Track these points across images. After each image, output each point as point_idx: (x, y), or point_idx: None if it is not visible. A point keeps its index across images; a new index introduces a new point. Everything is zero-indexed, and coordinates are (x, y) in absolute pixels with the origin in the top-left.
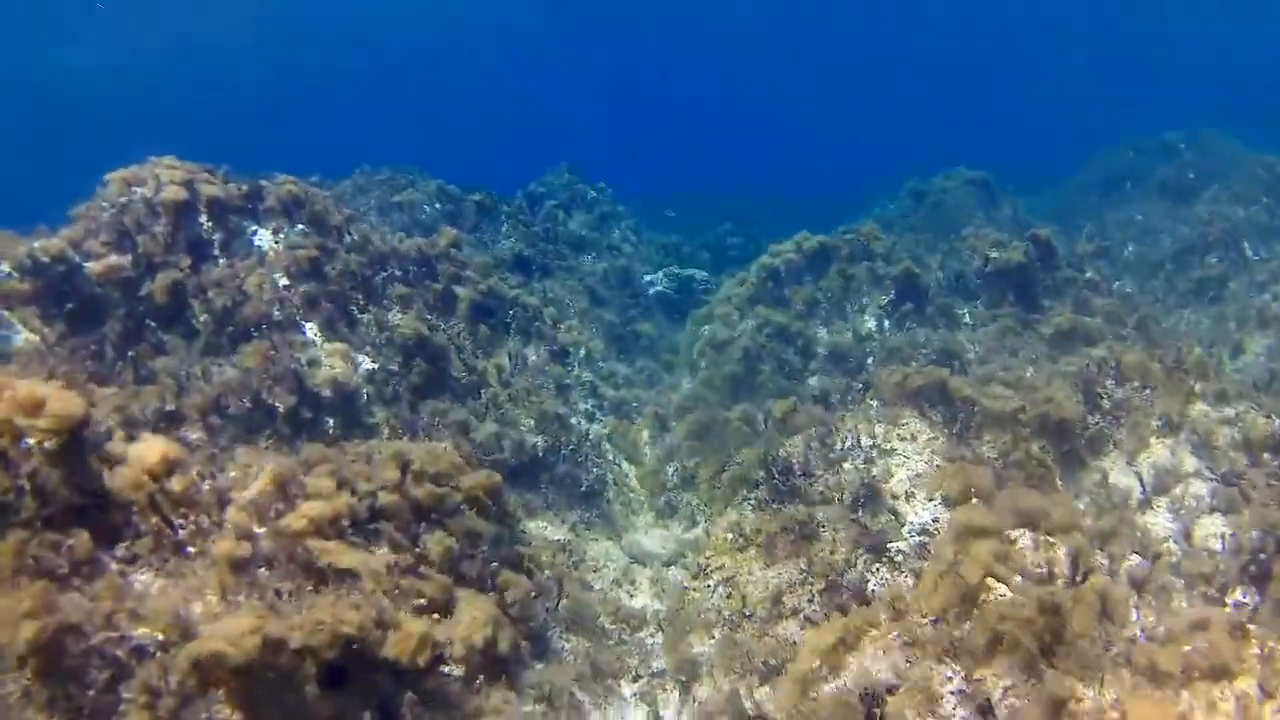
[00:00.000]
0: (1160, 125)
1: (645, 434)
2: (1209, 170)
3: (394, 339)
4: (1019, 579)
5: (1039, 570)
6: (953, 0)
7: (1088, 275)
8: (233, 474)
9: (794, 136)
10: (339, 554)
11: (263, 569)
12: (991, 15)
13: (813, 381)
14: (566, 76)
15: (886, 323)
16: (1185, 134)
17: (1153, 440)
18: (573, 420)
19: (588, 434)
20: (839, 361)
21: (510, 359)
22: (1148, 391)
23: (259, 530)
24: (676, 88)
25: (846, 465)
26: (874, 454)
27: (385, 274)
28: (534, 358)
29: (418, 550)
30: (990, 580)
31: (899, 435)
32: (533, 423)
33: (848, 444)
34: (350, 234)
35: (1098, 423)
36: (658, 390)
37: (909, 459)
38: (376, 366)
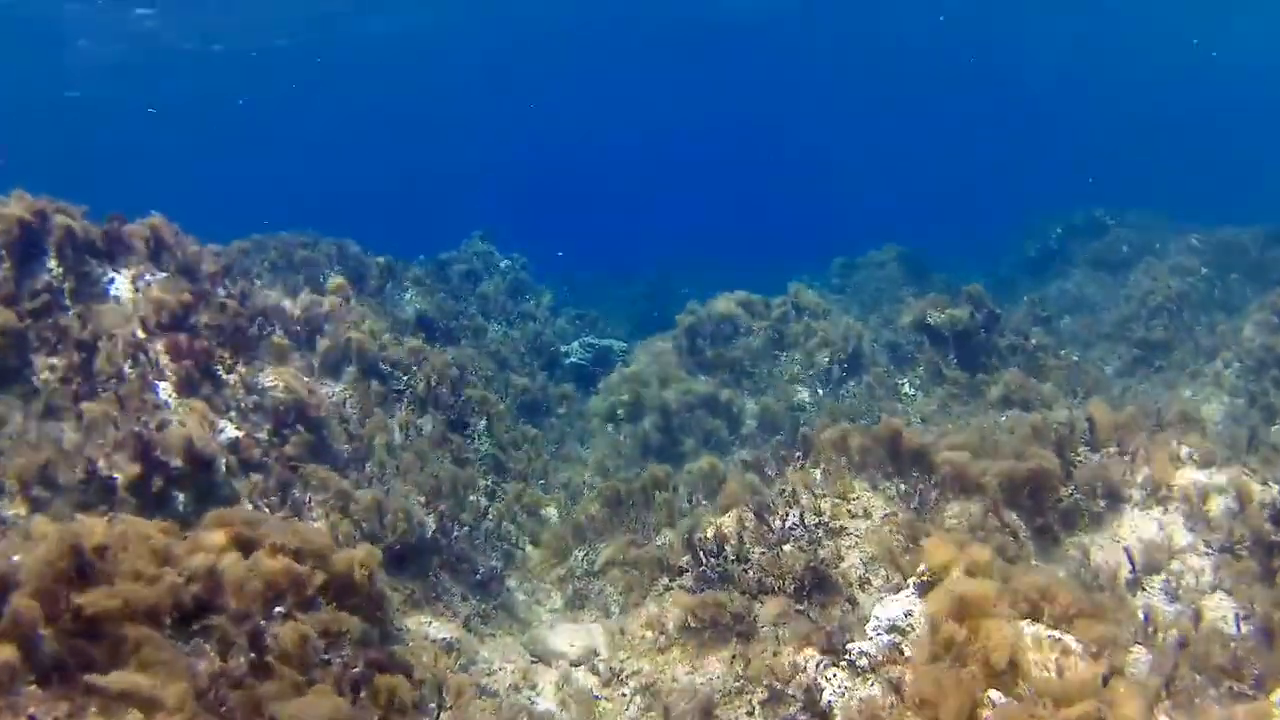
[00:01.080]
0: (1083, 203)
1: (553, 511)
2: (1141, 244)
3: (265, 403)
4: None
5: (1045, 673)
6: (878, 79)
7: (1033, 341)
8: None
9: (718, 212)
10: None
11: (33, 685)
12: (911, 96)
13: (742, 455)
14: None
15: (820, 391)
16: (1111, 210)
17: (1136, 512)
18: (470, 496)
19: (487, 511)
20: (770, 432)
21: (402, 428)
22: (1127, 456)
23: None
24: (599, 161)
25: (788, 547)
26: (820, 533)
27: (263, 331)
28: (429, 427)
29: (260, 651)
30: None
31: (849, 511)
32: (423, 499)
33: (789, 521)
34: (225, 286)
35: (1072, 492)
36: (568, 463)
37: (861, 538)
38: (242, 433)
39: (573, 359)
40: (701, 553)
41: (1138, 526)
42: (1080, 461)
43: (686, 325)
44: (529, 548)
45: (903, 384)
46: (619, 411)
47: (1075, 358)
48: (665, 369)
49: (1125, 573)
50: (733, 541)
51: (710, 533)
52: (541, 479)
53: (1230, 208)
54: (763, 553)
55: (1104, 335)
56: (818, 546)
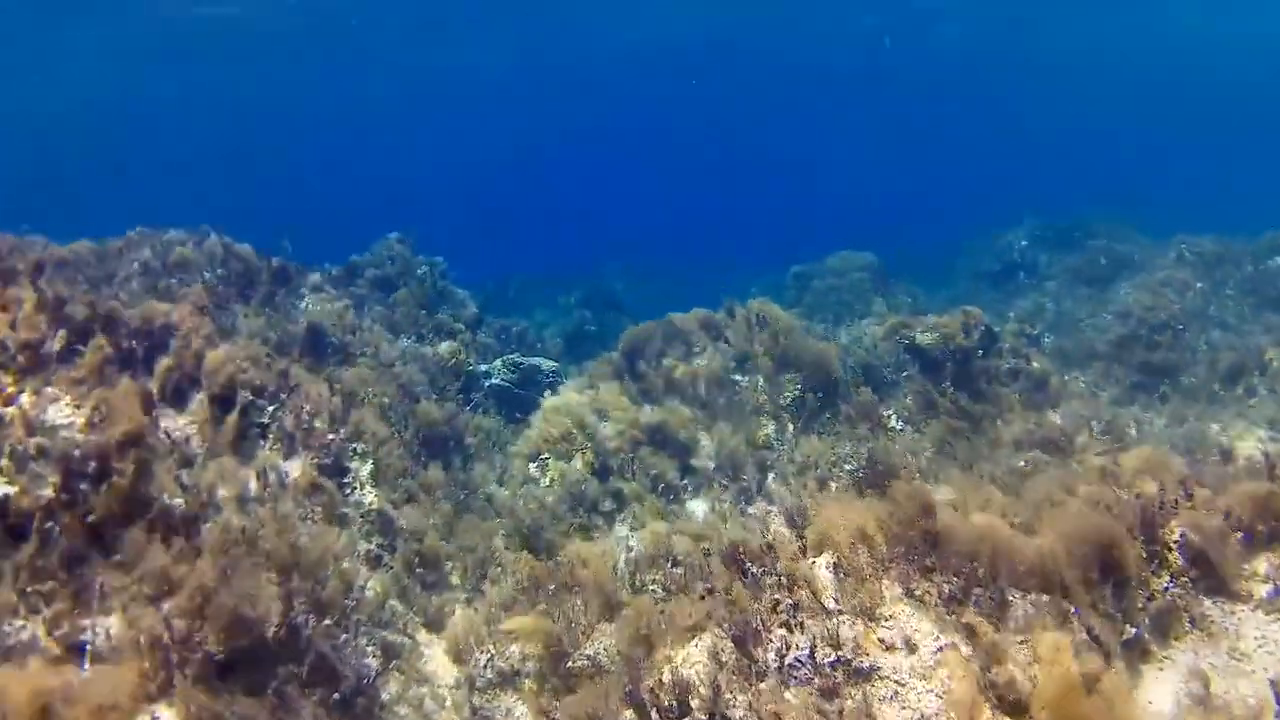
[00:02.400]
0: (1042, 211)
1: (457, 582)
2: (1120, 256)
3: (55, 445)
4: None
5: None
6: (832, 83)
7: (1036, 365)
8: None
9: (667, 220)
10: None
11: None
12: (868, 100)
13: (696, 506)
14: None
15: (790, 426)
16: (1078, 219)
17: (1260, 616)
18: (345, 565)
19: (365, 586)
20: (730, 477)
21: (260, 475)
22: (1223, 526)
23: None
24: (538, 165)
25: (790, 695)
26: (839, 675)
27: (74, 346)
28: (297, 473)
29: None
30: None
31: (879, 640)
32: (276, 575)
33: (789, 655)
34: (42, 288)
35: (1167, 586)
36: (479, 519)
37: (905, 686)
38: (15, 489)
39: (494, 380)
40: (655, 713)
41: (1266, 638)
42: (1173, 540)
43: (628, 345)
44: (423, 633)
45: (888, 416)
46: (544, 450)
47: (1083, 383)
48: (602, 397)
49: (1247, 702)
50: (702, 691)
51: (667, 676)
52: (443, 541)
53: (1193, 215)
54: (750, 709)
55: (1095, 355)
56: (837, 697)
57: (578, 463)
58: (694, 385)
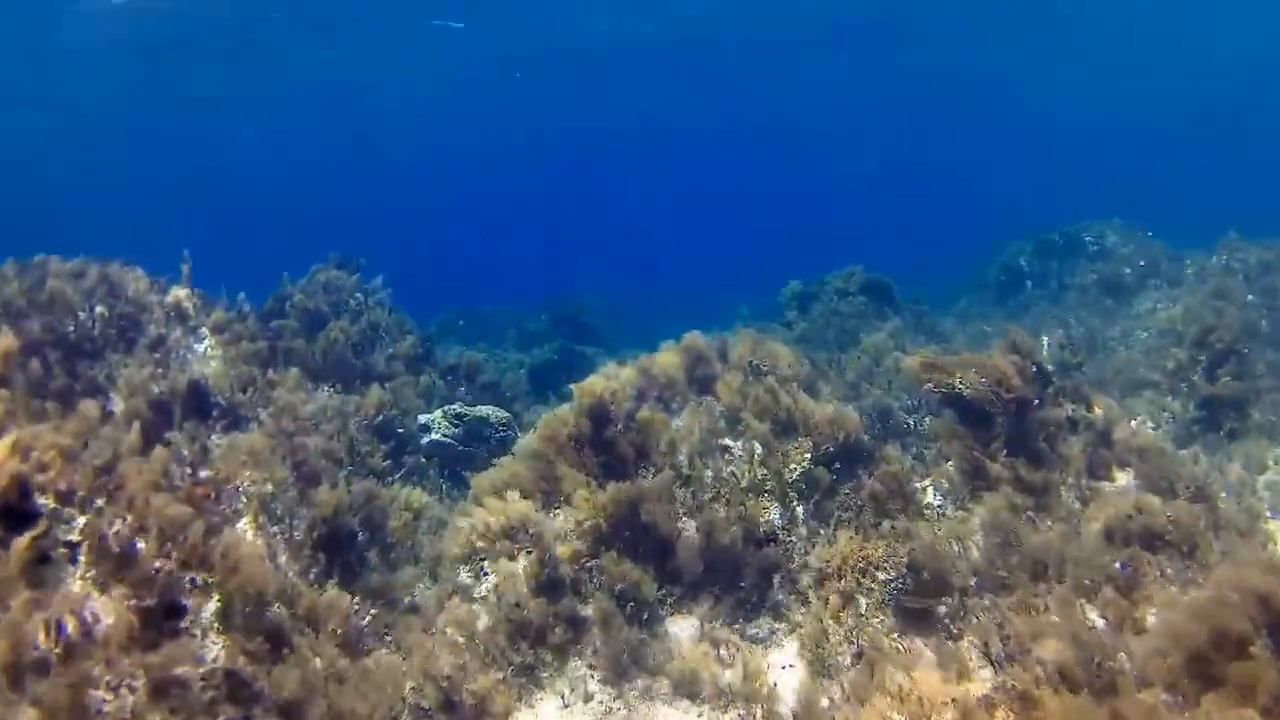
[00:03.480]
0: (1046, 220)
1: None
2: (1146, 264)
3: None
4: None
5: None
6: (818, 91)
7: (1100, 411)
8: None
9: (651, 240)
10: None
11: None
12: (858, 109)
13: (680, 628)
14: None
15: (799, 509)
16: (1091, 226)
17: None
18: None
19: None
20: (724, 581)
21: (50, 627)
22: None
23: None
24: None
25: None
26: None
27: None
28: (109, 618)
29: None
30: None
31: None
32: None
33: None
34: None
35: None
36: (390, 665)
37: None
38: None
39: (434, 436)
40: None
41: None
42: None
43: (590, 401)
44: None
45: (923, 488)
46: (482, 554)
47: (1150, 427)
48: (555, 473)
49: None
50: None
51: None
52: (327, 697)
53: (1202, 222)
54: None
55: (1140, 383)
56: None
57: (521, 571)
58: (673, 453)
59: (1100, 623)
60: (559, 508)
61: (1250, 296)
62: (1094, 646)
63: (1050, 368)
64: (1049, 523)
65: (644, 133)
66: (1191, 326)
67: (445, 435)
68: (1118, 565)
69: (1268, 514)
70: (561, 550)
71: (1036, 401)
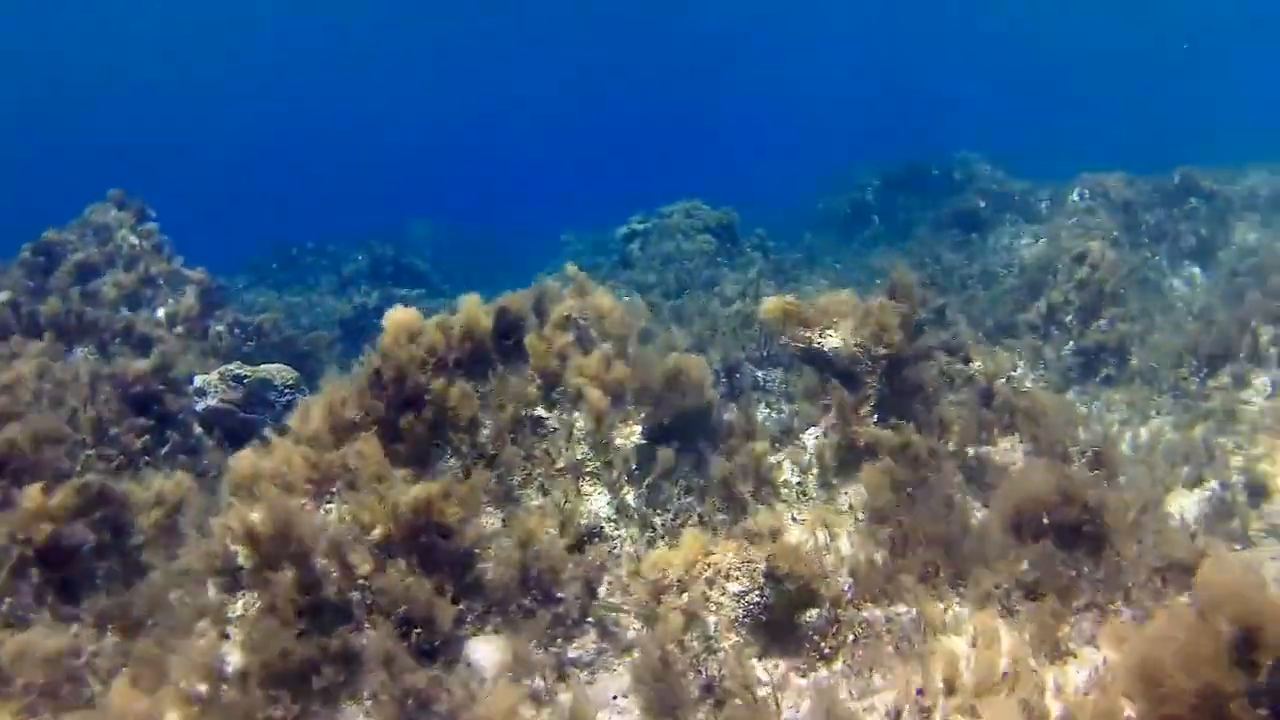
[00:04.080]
0: (895, 152)
1: None
2: (999, 198)
3: None
4: None
5: None
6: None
7: (977, 364)
8: None
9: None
10: None
11: None
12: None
13: (481, 652)
14: None
15: (631, 495)
16: (942, 159)
17: None
18: None
19: None
20: (538, 598)
21: None
22: None
23: None
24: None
25: None
26: None
27: None
28: None
29: None
30: None
31: None
32: None
33: None
34: None
35: None
36: None
37: None
38: None
39: (209, 402)
40: None
41: None
42: None
43: (388, 364)
44: None
45: (778, 463)
46: (236, 566)
47: (1030, 382)
48: (333, 459)
49: None
50: None
51: None
52: None
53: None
54: None
55: (1007, 327)
56: None
57: (281, 589)
58: (474, 432)
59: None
60: (334, 503)
61: (1115, 233)
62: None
63: (921, 315)
64: (934, 504)
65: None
66: (1062, 265)
67: (223, 400)
68: (1025, 565)
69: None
70: (332, 563)
71: (911, 356)
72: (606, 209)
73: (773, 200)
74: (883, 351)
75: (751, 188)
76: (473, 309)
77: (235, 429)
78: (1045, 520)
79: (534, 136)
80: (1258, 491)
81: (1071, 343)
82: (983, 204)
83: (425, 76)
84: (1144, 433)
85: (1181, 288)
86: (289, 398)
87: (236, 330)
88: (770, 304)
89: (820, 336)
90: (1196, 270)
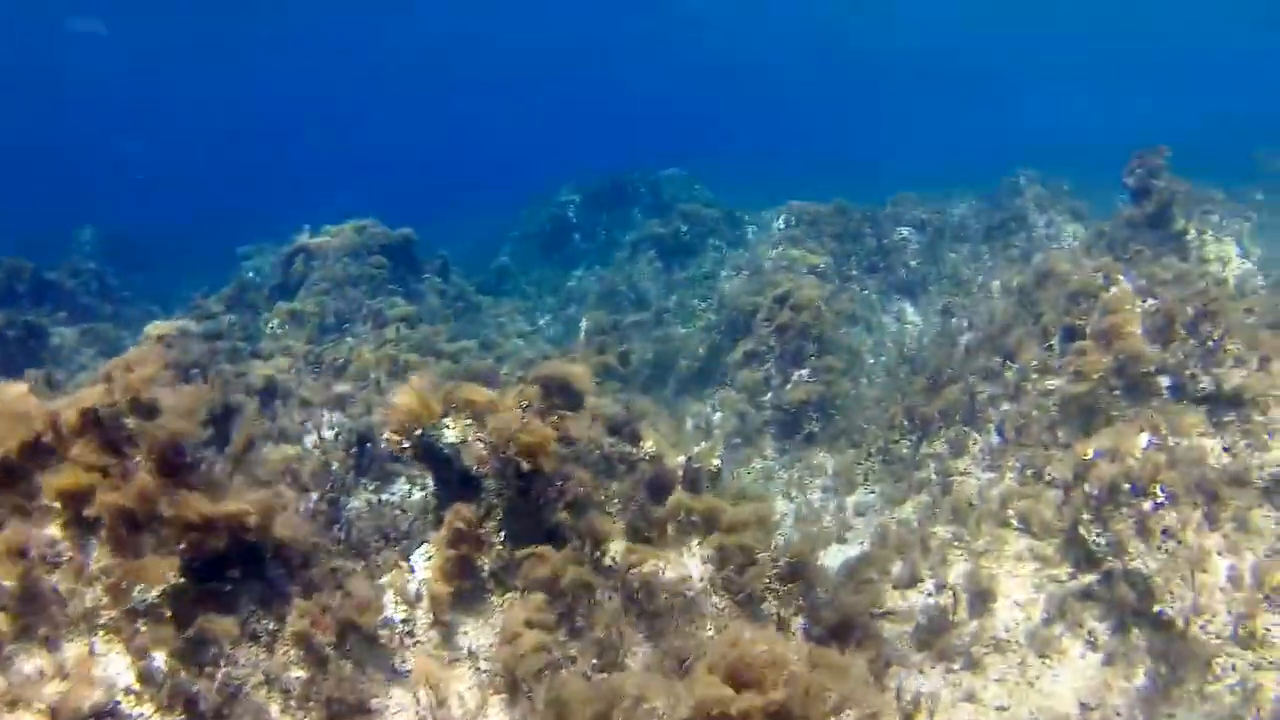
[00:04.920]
0: (599, 166)
1: None
2: (704, 221)
3: None
4: None
5: None
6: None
7: (646, 448)
8: None
9: None
10: None
11: None
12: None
13: None
14: None
15: (160, 660)
16: (646, 176)
17: None
18: None
19: None
20: None
21: None
22: None
23: None
24: None
25: None
26: None
27: None
28: None
29: None
30: None
31: None
32: None
33: None
34: None
35: None
36: None
37: None
38: None
39: None
40: None
41: None
42: None
43: None
44: None
45: (374, 600)
46: None
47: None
48: None
49: None
50: None
51: None
52: None
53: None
54: None
55: (699, 375)
56: None
57: None
58: None
59: None
60: None
61: (821, 265)
62: None
63: (589, 383)
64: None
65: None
66: (763, 306)
67: None
68: None
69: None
70: None
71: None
72: (291, 220)
73: (471, 217)
74: (515, 450)
75: (446, 204)
76: None
77: None
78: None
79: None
80: (982, 596)
81: (770, 395)
82: (685, 228)
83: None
84: (850, 504)
85: (892, 324)
86: None
87: None
88: (402, 400)
89: (437, 430)
90: (908, 306)
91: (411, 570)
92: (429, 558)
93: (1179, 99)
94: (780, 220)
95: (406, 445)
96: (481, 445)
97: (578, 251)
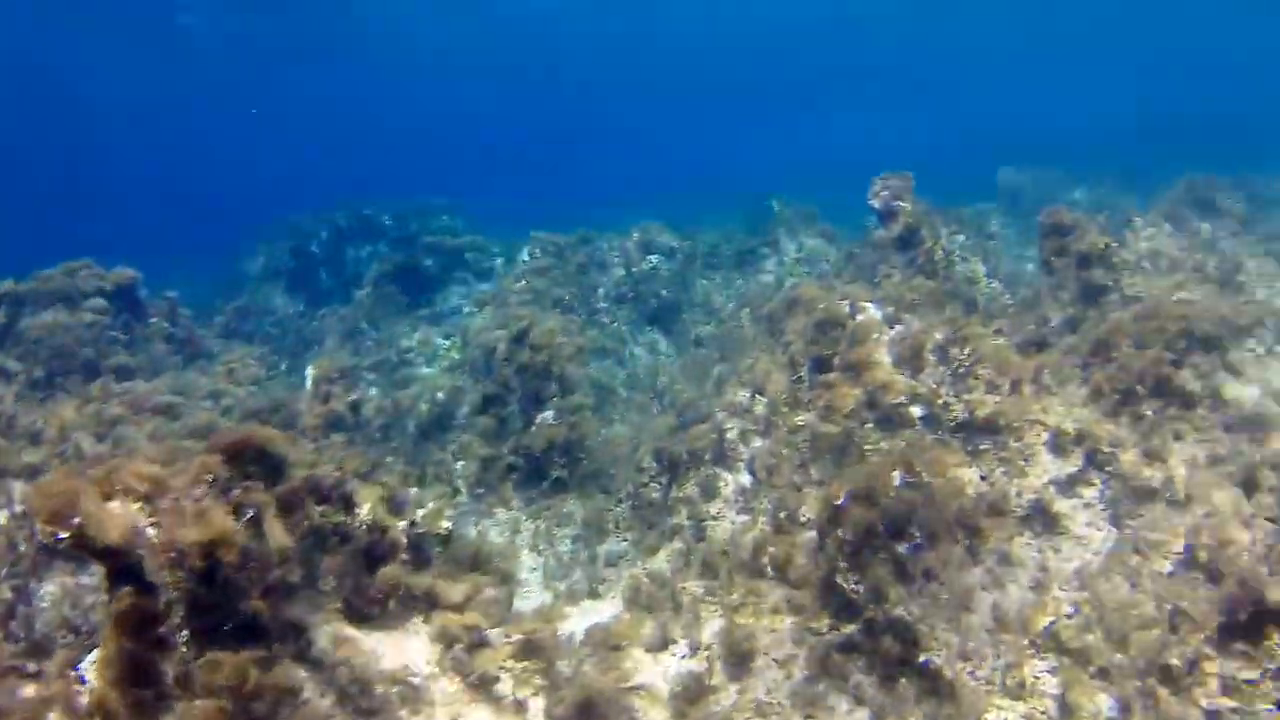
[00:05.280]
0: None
1: None
2: (454, 253)
3: None
4: None
5: None
6: None
7: (361, 516)
8: None
9: None
10: None
11: None
12: None
13: None
14: None
15: None
16: (390, 205)
17: None
18: None
19: None
20: None
21: None
22: None
23: None
24: None
25: None
26: None
27: None
28: None
29: None
30: None
31: None
32: None
33: None
34: None
35: None
36: None
37: None
38: None
39: None
40: None
41: None
42: None
43: None
44: None
45: None
46: None
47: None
48: None
49: None
50: None
51: None
52: None
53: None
54: None
55: (436, 423)
56: None
57: None
58: None
59: None
60: None
61: (567, 297)
62: None
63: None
64: None
65: None
66: (501, 346)
67: None
68: None
69: None
70: None
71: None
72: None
73: (206, 253)
74: (195, 538)
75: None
76: None
77: None
78: None
79: None
80: (739, 660)
81: (512, 439)
82: (429, 261)
83: None
84: (602, 553)
85: (644, 356)
86: None
87: None
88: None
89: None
90: (659, 336)
91: (82, 680)
92: (90, 663)
93: (944, 120)
94: (524, 252)
95: (63, 536)
96: (152, 533)
97: (323, 289)
